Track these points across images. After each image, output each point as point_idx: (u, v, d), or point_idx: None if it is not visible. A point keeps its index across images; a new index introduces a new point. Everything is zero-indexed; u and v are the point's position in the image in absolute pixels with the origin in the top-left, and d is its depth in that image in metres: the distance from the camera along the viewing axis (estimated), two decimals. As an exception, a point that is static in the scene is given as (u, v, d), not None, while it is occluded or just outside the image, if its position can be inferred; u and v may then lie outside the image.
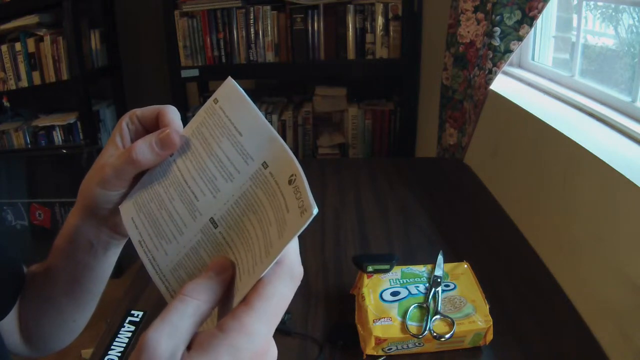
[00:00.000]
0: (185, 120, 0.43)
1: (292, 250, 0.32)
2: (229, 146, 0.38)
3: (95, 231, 0.46)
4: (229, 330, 0.29)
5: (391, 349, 0.79)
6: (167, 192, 0.40)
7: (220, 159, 0.38)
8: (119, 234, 0.47)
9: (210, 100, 0.41)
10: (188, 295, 0.31)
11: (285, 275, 0.31)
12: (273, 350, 0.32)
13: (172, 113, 0.43)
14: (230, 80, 0.40)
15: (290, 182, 0.33)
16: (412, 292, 0.85)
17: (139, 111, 0.44)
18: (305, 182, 0.31)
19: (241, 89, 0.39)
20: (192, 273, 0.37)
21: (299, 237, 0.31)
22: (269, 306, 0.30)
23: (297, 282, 0.32)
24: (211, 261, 0.34)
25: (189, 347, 0.29)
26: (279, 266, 0.31)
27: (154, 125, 0.44)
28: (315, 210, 0.30)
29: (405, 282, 0.87)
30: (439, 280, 0.87)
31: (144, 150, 0.40)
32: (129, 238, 0.43)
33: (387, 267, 0.88)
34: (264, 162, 0.36)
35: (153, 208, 0.41)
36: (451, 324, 0.79)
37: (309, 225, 0.30)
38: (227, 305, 0.33)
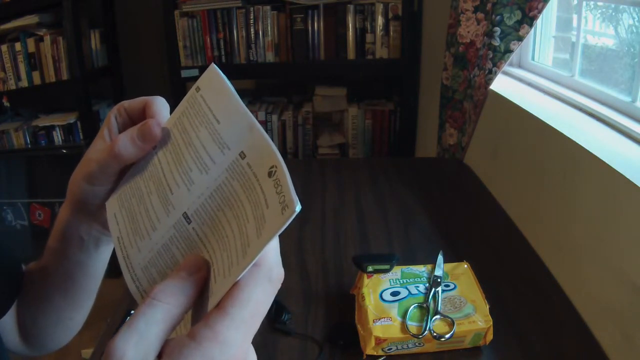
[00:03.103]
0: None
1: (271, 250, 0.30)
2: (206, 135, 0.36)
3: (85, 226, 0.45)
4: (201, 338, 0.27)
5: (391, 349, 0.79)
6: (147, 186, 0.39)
7: (197, 149, 0.36)
8: (109, 230, 0.46)
9: (192, 89, 0.39)
10: (156, 298, 0.28)
11: (263, 279, 0.29)
12: (251, 359, 0.30)
13: (158, 104, 0.41)
14: (213, 67, 0.37)
15: (270, 174, 0.30)
16: (412, 292, 0.85)
17: (126, 103, 0.43)
18: (287, 175, 0.28)
19: (224, 76, 0.36)
20: (164, 272, 0.35)
21: (284, 235, 0.28)
22: (245, 313, 0.28)
23: (276, 286, 0.30)
24: (184, 260, 0.32)
25: (160, 355, 0.27)
26: (257, 268, 0.29)
27: (141, 117, 0.42)
28: (298, 207, 0.27)
29: (405, 282, 0.87)
30: (439, 280, 0.87)
31: (125, 143, 0.39)
32: None
33: (387, 267, 0.88)
34: (242, 151, 0.33)
35: (133, 203, 0.39)
36: (451, 324, 0.79)
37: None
38: (201, 308, 0.30)
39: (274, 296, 0.30)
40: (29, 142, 2.43)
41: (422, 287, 0.86)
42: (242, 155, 0.33)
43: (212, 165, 0.34)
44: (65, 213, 0.45)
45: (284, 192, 0.28)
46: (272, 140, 0.32)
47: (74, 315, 0.55)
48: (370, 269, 0.88)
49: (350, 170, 1.56)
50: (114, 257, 0.44)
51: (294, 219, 0.27)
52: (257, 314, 0.29)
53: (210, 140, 0.35)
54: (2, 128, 2.42)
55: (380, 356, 0.80)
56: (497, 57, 1.37)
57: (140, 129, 0.39)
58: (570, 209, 1.01)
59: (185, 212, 0.35)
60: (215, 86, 0.37)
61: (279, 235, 0.28)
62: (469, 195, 1.39)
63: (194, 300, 0.30)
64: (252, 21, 2.23)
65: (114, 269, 0.52)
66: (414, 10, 2.20)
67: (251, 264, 0.28)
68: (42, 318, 0.53)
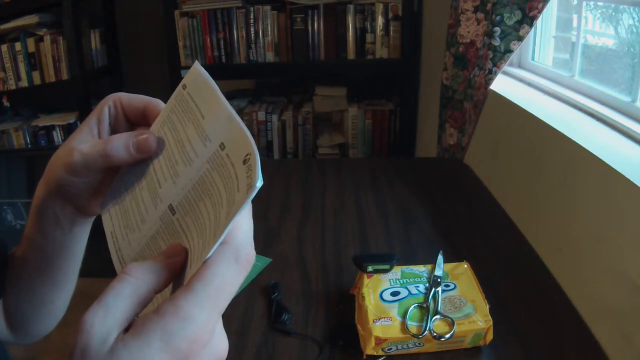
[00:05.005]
0: None
1: (241, 231, 0.30)
2: (192, 130, 0.37)
3: (59, 206, 0.44)
4: (163, 313, 0.27)
5: (391, 349, 0.79)
6: (139, 182, 0.40)
7: (184, 144, 0.37)
8: (85, 214, 0.46)
9: (179, 87, 0.40)
10: (127, 273, 0.29)
11: (229, 257, 0.29)
12: (219, 343, 0.30)
13: (159, 111, 0.41)
14: (196, 65, 0.39)
15: (244, 162, 0.31)
16: (412, 292, 0.85)
17: (125, 98, 0.42)
18: (258, 160, 0.30)
19: (206, 73, 0.38)
20: None
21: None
22: (210, 289, 0.28)
23: (244, 266, 0.30)
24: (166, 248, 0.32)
25: (127, 330, 0.28)
26: (224, 246, 0.29)
27: (138, 116, 0.42)
28: (259, 183, 0.28)
29: (405, 282, 0.87)
30: (439, 280, 0.87)
31: (119, 148, 0.39)
32: (96, 216, 0.43)
33: (387, 267, 0.88)
34: (222, 143, 0.34)
35: (126, 198, 0.40)
36: (451, 324, 0.79)
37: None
38: None
39: (243, 276, 0.30)
40: (29, 142, 2.43)
41: (422, 287, 0.86)
42: (222, 146, 0.34)
43: (195, 158, 0.36)
44: (40, 192, 0.44)
45: (252, 176, 0.29)
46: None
47: (55, 299, 0.53)
48: (370, 269, 0.88)
49: (350, 170, 1.56)
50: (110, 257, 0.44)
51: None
52: (223, 292, 0.29)
53: (195, 134, 0.36)
54: (2, 128, 2.42)
55: (380, 356, 0.80)
56: (497, 57, 1.37)
57: (138, 140, 0.39)
58: (570, 209, 1.01)
59: (170, 204, 0.36)
60: (200, 83, 0.38)
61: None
62: (469, 195, 1.39)
63: (166, 282, 0.31)
64: (252, 21, 2.24)
65: (113, 269, 0.52)
66: (414, 10, 2.21)
67: (218, 243, 0.29)
68: (24, 303, 0.52)
